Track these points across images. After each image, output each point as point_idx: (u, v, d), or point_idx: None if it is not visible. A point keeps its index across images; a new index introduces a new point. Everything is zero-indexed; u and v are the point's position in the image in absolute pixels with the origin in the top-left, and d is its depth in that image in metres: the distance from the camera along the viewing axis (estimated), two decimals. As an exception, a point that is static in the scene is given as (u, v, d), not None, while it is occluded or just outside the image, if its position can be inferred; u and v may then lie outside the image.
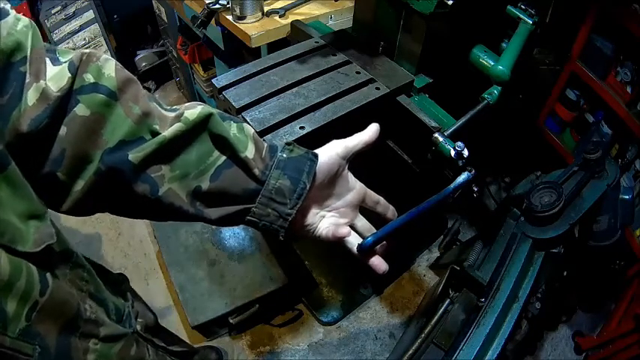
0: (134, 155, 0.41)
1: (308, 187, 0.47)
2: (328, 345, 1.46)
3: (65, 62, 0.41)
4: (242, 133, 0.47)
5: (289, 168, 0.47)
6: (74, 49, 0.44)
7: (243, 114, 0.81)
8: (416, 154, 1.00)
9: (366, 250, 0.52)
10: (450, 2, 0.79)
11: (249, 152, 0.46)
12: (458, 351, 0.74)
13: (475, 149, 0.82)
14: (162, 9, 1.96)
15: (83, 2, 2.09)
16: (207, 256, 1.45)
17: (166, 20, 1.98)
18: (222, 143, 0.45)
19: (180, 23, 1.85)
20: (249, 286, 1.37)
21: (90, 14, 2.12)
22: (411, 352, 0.94)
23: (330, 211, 0.54)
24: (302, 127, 0.80)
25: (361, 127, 0.55)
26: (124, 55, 2.28)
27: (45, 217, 0.37)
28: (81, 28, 2.13)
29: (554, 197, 0.85)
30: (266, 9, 1.32)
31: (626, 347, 1.20)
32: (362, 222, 0.56)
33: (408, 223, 0.53)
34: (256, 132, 0.50)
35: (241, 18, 1.27)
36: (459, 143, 0.81)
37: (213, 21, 1.37)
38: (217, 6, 1.31)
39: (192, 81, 2.12)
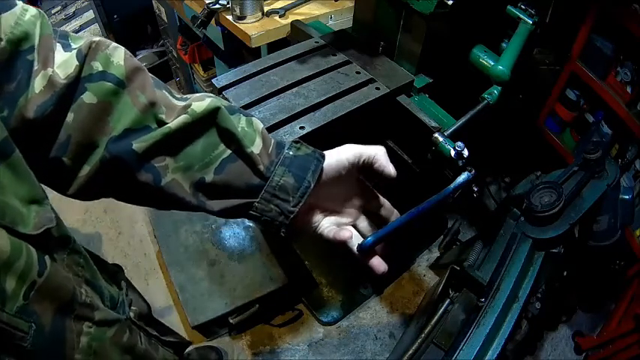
0: (138, 145, 0.42)
1: (312, 186, 0.47)
2: (328, 345, 1.46)
3: (75, 48, 0.41)
4: (250, 127, 0.47)
5: (295, 166, 0.47)
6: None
7: (243, 114, 0.81)
8: (416, 154, 1.00)
9: (366, 250, 0.52)
10: (450, 2, 0.79)
11: (256, 147, 0.46)
12: (458, 351, 0.74)
13: (475, 149, 0.82)
14: (163, 9, 1.96)
15: (83, 2, 2.09)
16: (207, 256, 1.45)
17: (166, 20, 1.98)
18: (229, 137, 0.45)
19: (180, 23, 1.85)
20: (249, 286, 1.37)
21: (90, 14, 2.12)
22: (411, 352, 0.94)
23: (332, 210, 0.54)
24: (302, 127, 0.80)
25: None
26: (124, 55, 2.28)
27: (45, 203, 0.38)
28: (81, 28, 2.13)
29: (554, 197, 0.85)
30: (266, 9, 1.32)
31: (626, 347, 1.20)
32: (364, 223, 0.56)
33: (408, 223, 0.53)
34: None
35: (241, 18, 1.27)
36: (459, 143, 0.81)
37: (213, 21, 1.37)
38: (217, 6, 1.31)
39: (192, 81, 2.12)
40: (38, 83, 0.38)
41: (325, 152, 0.49)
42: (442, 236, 1.60)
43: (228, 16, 1.30)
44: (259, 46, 1.29)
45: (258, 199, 0.47)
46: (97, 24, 2.14)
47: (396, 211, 0.57)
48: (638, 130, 1.07)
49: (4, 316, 0.32)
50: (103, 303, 0.47)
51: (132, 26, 2.25)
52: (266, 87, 0.87)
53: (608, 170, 0.93)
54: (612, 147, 1.21)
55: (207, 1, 1.33)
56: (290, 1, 1.37)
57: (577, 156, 1.05)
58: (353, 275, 1.58)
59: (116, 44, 0.44)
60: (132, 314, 0.55)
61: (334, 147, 0.51)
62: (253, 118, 0.49)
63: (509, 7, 0.93)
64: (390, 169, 0.51)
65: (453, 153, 0.81)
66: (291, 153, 0.48)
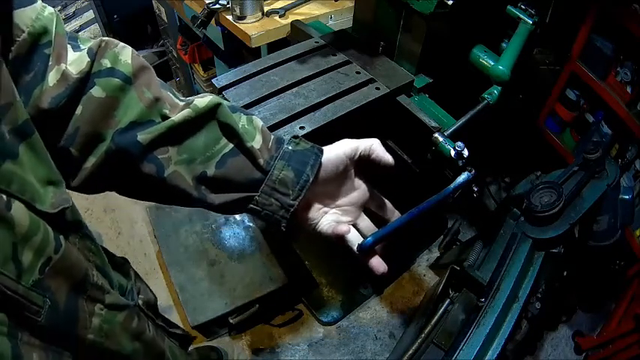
0: (143, 136, 0.44)
1: (311, 179, 0.48)
2: (328, 345, 1.46)
3: (85, 49, 0.44)
4: (251, 125, 0.49)
5: (294, 160, 0.48)
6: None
7: (243, 114, 0.81)
8: (416, 154, 1.00)
9: (366, 250, 0.52)
10: (450, 2, 0.79)
11: (256, 143, 0.48)
12: (458, 351, 0.74)
13: (475, 149, 0.82)
14: (162, 9, 1.96)
15: (83, 2, 2.10)
16: (207, 256, 1.45)
17: (166, 20, 1.98)
18: (230, 132, 0.47)
19: (180, 23, 1.85)
20: (249, 286, 1.37)
21: (90, 14, 2.12)
22: (411, 352, 0.94)
23: (333, 208, 0.54)
24: (302, 127, 0.80)
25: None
26: (124, 55, 2.28)
27: (62, 185, 0.40)
28: (81, 28, 2.14)
29: (554, 197, 0.85)
30: (266, 9, 1.32)
31: (626, 347, 1.20)
32: (365, 222, 0.56)
33: (408, 223, 0.53)
34: None
35: (241, 18, 1.27)
36: (459, 143, 0.81)
37: (213, 21, 1.37)
38: (217, 6, 1.31)
39: (192, 81, 2.12)
40: (52, 77, 0.40)
41: (323, 147, 0.51)
42: (442, 236, 1.60)
43: (228, 16, 1.30)
44: (259, 46, 1.29)
45: (258, 193, 0.48)
46: (97, 24, 2.14)
47: (396, 211, 0.57)
48: (638, 130, 1.07)
49: (20, 288, 0.32)
50: (112, 289, 0.48)
51: (132, 26, 2.25)
52: (266, 87, 0.87)
53: (608, 170, 0.93)
54: (612, 147, 1.21)
55: (207, 1, 1.33)
56: (290, 1, 1.37)
57: (577, 156, 1.05)
58: (353, 275, 1.58)
59: (124, 44, 0.47)
60: (140, 302, 0.57)
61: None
62: (253, 117, 0.50)
63: (509, 7, 0.93)
64: (388, 157, 0.52)
65: (453, 153, 0.81)
66: (290, 148, 0.49)
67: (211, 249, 1.47)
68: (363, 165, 0.53)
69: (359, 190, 0.55)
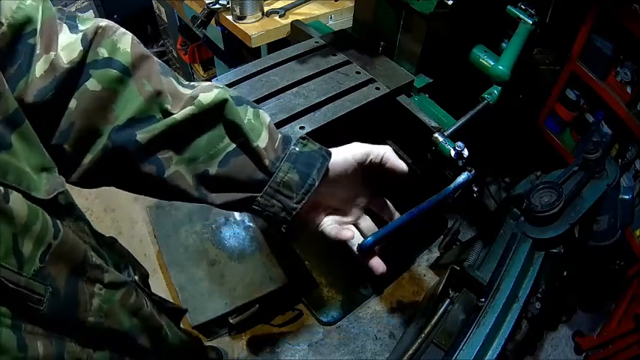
0: (142, 135, 0.42)
1: (317, 183, 0.46)
2: (328, 345, 1.45)
3: (81, 31, 0.41)
4: (257, 120, 0.47)
5: (300, 162, 0.47)
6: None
7: (243, 114, 0.81)
8: (416, 154, 1.00)
9: (366, 250, 0.52)
10: (450, 2, 0.79)
11: (262, 141, 0.46)
12: (458, 351, 0.74)
13: (475, 149, 0.82)
14: (162, 9, 1.96)
15: (83, 2, 2.09)
16: (207, 256, 1.45)
17: (166, 20, 1.98)
18: (235, 130, 0.45)
19: (180, 23, 1.86)
20: (249, 286, 1.37)
21: (90, 14, 2.12)
22: (411, 352, 0.94)
23: (336, 209, 0.54)
24: (302, 127, 0.80)
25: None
26: (124, 55, 2.28)
27: (54, 169, 0.39)
28: (81, 28, 2.13)
29: (554, 197, 0.85)
30: (266, 9, 1.32)
31: (626, 347, 1.19)
32: (366, 222, 0.56)
33: (408, 223, 0.53)
34: None
35: (241, 18, 1.27)
36: (459, 143, 0.81)
37: (213, 21, 1.38)
38: (217, 6, 1.31)
39: (192, 81, 2.12)
40: (40, 67, 0.38)
41: (332, 150, 0.49)
42: (442, 236, 1.60)
43: (228, 16, 1.31)
44: (259, 46, 1.30)
45: (261, 194, 0.47)
46: (97, 24, 2.15)
47: (397, 213, 0.57)
48: (638, 130, 1.06)
49: (21, 280, 0.32)
50: (109, 267, 0.47)
51: (132, 26, 2.20)
52: (266, 87, 0.87)
53: (608, 170, 0.93)
54: (612, 147, 1.21)
55: (207, 1, 1.33)
56: (290, 1, 1.37)
57: (577, 156, 1.05)
58: (353, 275, 1.58)
59: (124, 30, 0.44)
60: (136, 277, 0.56)
61: (334, 147, 0.51)
62: (261, 111, 0.48)
63: (509, 7, 0.93)
64: (403, 166, 0.51)
65: (453, 153, 0.81)
66: (297, 149, 0.47)
67: (211, 249, 1.47)
68: (371, 170, 0.52)
69: (363, 192, 0.54)
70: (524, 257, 0.84)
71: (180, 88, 0.46)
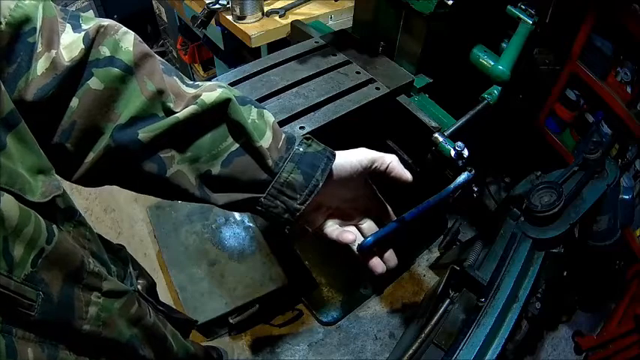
0: (144, 134, 0.42)
1: (320, 184, 0.46)
2: (328, 345, 1.45)
3: (84, 31, 0.41)
4: (261, 120, 0.46)
5: (304, 163, 0.46)
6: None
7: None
8: (416, 154, 1.00)
9: (366, 250, 0.52)
10: (450, 2, 0.79)
11: (266, 141, 0.45)
12: (458, 351, 0.74)
13: (475, 149, 0.82)
14: (162, 9, 1.96)
15: (83, 2, 2.09)
16: (207, 256, 1.45)
17: (166, 20, 1.98)
18: (238, 129, 0.45)
19: (180, 23, 1.86)
20: (249, 286, 1.37)
21: (90, 14, 2.12)
22: (411, 352, 0.94)
23: (338, 210, 0.54)
24: (302, 127, 0.80)
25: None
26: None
27: (52, 173, 0.38)
28: (81, 28, 2.13)
29: (554, 197, 0.85)
30: (266, 9, 1.32)
31: (626, 347, 1.19)
32: (368, 223, 0.56)
33: (409, 223, 0.54)
34: None
35: (241, 18, 1.27)
36: (459, 143, 0.81)
37: (213, 21, 1.38)
38: (217, 6, 1.31)
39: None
40: (41, 65, 0.38)
41: (338, 152, 0.49)
42: (442, 236, 1.60)
43: (228, 16, 1.31)
44: (259, 46, 1.30)
45: (264, 195, 0.46)
46: (97, 24, 2.15)
47: (394, 218, 0.57)
48: (638, 130, 1.06)
49: (11, 284, 0.31)
50: (110, 275, 0.46)
51: (132, 26, 2.20)
52: (266, 87, 0.87)
53: (608, 170, 0.93)
54: (612, 147, 1.21)
55: (207, 1, 1.33)
56: (290, 1, 1.37)
57: (577, 156, 1.05)
58: (353, 275, 1.58)
59: (126, 29, 0.44)
60: (139, 287, 0.55)
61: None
62: (265, 111, 0.48)
63: (509, 7, 0.93)
64: (407, 176, 0.51)
65: (453, 153, 0.81)
66: (301, 149, 0.47)
67: (211, 249, 1.47)
68: (374, 175, 0.52)
69: (366, 195, 0.54)
70: (524, 257, 0.84)
71: (183, 87, 0.45)
